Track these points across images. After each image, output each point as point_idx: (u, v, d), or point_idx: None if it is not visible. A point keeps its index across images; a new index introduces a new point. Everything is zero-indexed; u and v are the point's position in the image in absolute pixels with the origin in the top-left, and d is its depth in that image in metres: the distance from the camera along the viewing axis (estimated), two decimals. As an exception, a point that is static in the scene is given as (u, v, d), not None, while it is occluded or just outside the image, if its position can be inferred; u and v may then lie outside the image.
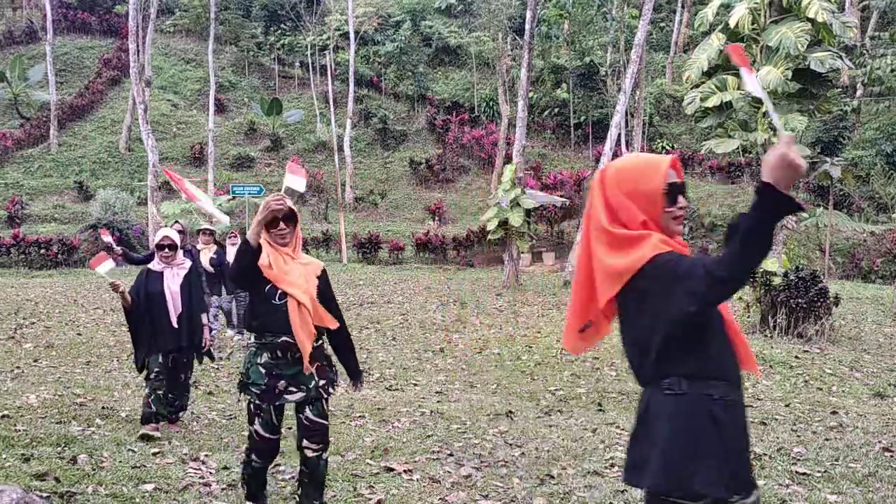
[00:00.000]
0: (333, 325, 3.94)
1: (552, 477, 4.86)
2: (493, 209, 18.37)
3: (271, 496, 4.48)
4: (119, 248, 8.08)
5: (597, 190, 2.33)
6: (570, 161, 31.79)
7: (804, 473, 4.79)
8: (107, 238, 8.10)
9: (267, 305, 3.67)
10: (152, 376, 5.63)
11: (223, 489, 4.57)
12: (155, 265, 5.76)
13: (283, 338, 3.67)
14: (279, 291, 3.66)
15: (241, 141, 33.73)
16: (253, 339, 3.76)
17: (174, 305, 5.65)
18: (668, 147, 31.28)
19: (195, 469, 4.95)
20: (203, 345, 5.93)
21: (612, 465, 5.10)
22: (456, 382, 8.28)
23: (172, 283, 5.69)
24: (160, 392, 5.65)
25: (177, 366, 5.82)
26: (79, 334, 10.86)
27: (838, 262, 22.83)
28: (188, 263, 5.84)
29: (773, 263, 11.75)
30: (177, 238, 5.74)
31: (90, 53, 38.33)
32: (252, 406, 3.75)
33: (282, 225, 3.71)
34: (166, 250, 5.69)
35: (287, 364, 3.72)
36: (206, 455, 5.25)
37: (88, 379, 7.87)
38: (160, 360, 5.68)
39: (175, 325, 5.65)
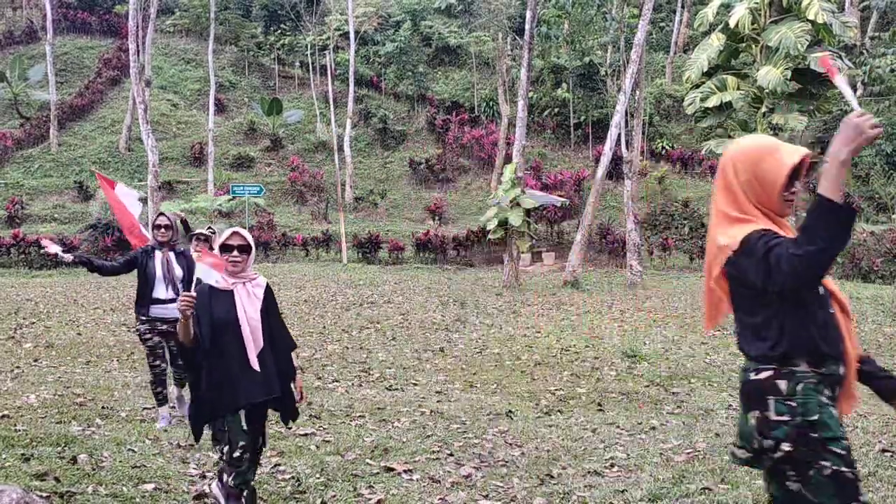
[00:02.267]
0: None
1: (552, 477, 4.86)
2: (493, 209, 18.37)
3: (271, 496, 4.48)
4: (69, 255, 6.31)
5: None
6: (570, 161, 31.79)
7: (804, 473, 4.78)
8: (53, 248, 6.21)
9: (823, 315, 2.42)
10: (237, 453, 3.67)
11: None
12: (218, 280, 3.80)
13: (842, 368, 2.44)
14: (826, 292, 2.47)
15: (241, 141, 33.72)
16: (806, 367, 2.38)
17: (255, 339, 3.80)
18: (668, 147, 31.28)
19: (195, 469, 4.96)
20: (300, 396, 4.09)
21: (612, 465, 5.10)
22: (456, 382, 8.28)
23: (249, 307, 3.81)
24: (249, 476, 3.77)
25: (253, 423, 3.80)
26: (79, 334, 10.87)
27: (838, 262, 22.82)
28: (262, 279, 4.00)
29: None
30: (249, 237, 3.89)
31: (90, 53, 38.33)
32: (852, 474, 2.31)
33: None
34: (235, 253, 3.80)
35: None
36: (206, 455, 5.25)
37: (88, 379, 7.87)
38: (243, 422, 3.71)
39: (257, 368, 3.75)
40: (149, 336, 6.17)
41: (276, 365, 3.87)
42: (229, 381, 3.73)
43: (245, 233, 3.90)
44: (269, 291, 3.98)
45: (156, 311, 6.14)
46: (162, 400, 6.20)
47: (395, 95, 37.35)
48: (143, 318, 6.17)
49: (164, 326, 6.14)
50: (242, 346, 3.77)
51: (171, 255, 6.25)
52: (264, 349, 3.83)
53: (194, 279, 3.81)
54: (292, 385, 4.02)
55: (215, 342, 3.75)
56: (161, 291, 6.14)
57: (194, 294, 3.62)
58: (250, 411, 3.76)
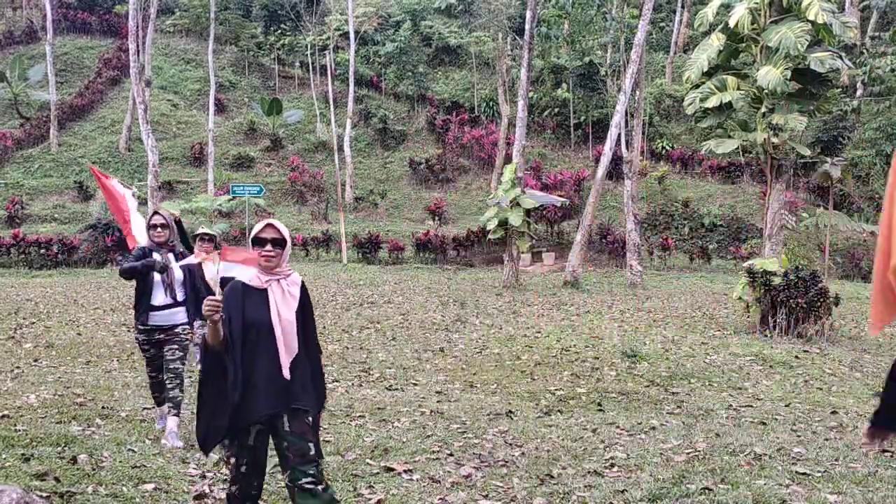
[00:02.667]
0: None
1: (552, 477, 4.86)
2: (493, 209, 18.37)
3: (271, 496, 4.48)
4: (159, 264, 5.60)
5: None
6: (570, 161, 31.80)
7: (804, 473, 4.79)
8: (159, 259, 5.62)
9: None
10: (243, 468, 3.40)
11: (222, 488, 4.57)
12: (251, 277, 3.47)
13: None
14: None
15: (241, 141, 33.73)
16: None
17: (288, 344, 3.43)
18: (668, 147, 31.28)
19: (195, 469, 4.96)
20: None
21: (612, 465, 5.10)
22: (456, 382, 8.28)
23: (284, 308, 3.45)
24: (254, 491, 3.49)
25: (298, 431, 3.39)
26: (79, 334, 10.86)
27: (838, 262, 22.83)
28: (297, 276, 3.65)
29: (773, 263, 11.75)
30: (284, 230, 3.60)
31: (90, 53, 38.34)
32: None
33: None
34: (268, 247, 3.48)
35: None
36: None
37: (88, 379, 7.87)
38: (251, 438, 3.41)
39: (287, 375, 3.38)
40: (147, 348, 5.79)
41: (307, 372, 3.49)
42: (253, 390, 3.34)
43: (280, 225, 3.57)
44: (304, 290, 3.59)
45: (154, 318, 5.66)
46: (161, 400, 5.92)
47: (395, 95, 37.36)
48: (142, 326, 5.71)
49: (161, 335, 5.71)
50: (275, 350, 3.38)
51: (170, 256, 5.76)
52: (299, 355, 3.45)
53: (216, 279, 3.37)
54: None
55: (246, 345, 3.36)
56: (159, 297, 5.65)
57: (220, 298, 3.22)
58: (274, 422, 3.38)
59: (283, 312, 3.43)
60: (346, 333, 11.33)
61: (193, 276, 5.81)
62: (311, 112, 35.29)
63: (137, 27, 21.79)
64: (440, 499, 4.48)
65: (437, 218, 27.30)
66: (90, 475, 4.58)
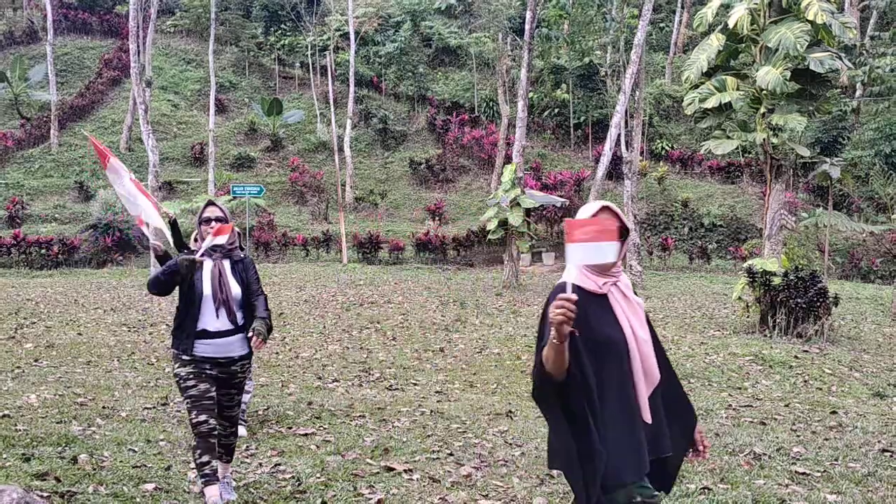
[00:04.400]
0: None
1: (552, 477, 4.87)
2: (493, 209, 18.38)
3: (271, 496, 4.49)
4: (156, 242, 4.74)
5: None
6: (569, 161, 31.80)
7: (804, 473, 4.80)
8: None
9: None
10: None
11: (223, 489, 4.58)
12: (582, 278, 2.53)
13: None
14: None
15: (242, 141, 33.74)
16: None
17: (647, 372, 2.57)
18: (667, 147, 31.29)
19: (195, 469, 4.96)
20: (702, 447, 2.83)
21: (612, 465, 5.10)
22: (456, 382, 8.29)
23: (636, 322, 2.59)
24: None
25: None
26: (79, 334, 10.87)
27: (838, 262, 22.84)
28: (626, 277, 2.70)
29: (772, 263, 11.76)
30: (622, 214, 2.68)
31: (91, 53, 38.34)
32: None
33: None
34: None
35: None
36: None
37: (89, 379, 7.88)
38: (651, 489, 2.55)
39: (648, 417, 2.54)
40: (193, 383, 4.07)
41: (664, 409, 2.58)
42: (627, 431, 2.41)
43: (616, 207, 2.58)
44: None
45: (202, 348, 4.11)
46: (210, 476, 4.07)
47: (395, 96, 37.37)
48: (185, 357, 4.09)
49: (215, 371, 4.15)
50: (628, 381, 2.46)
51: (226, 264, 4.28)
52: (657, 395, 2.54)
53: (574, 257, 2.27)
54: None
55: (597, 375, 2.40)
56: (210, 319, 4.12)
57: (573, 295, 2.19)
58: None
59: (636, 328, 2.50)
60: (346, 333, 11.33)
61: (253, 289, 4.36)
62: (312, 112, 35.30)
63: (138, 27, 21.79)
64: (440, 498, 4.48)
65: (437, 218, 27.30)
66: (90, 475, 4.59)
